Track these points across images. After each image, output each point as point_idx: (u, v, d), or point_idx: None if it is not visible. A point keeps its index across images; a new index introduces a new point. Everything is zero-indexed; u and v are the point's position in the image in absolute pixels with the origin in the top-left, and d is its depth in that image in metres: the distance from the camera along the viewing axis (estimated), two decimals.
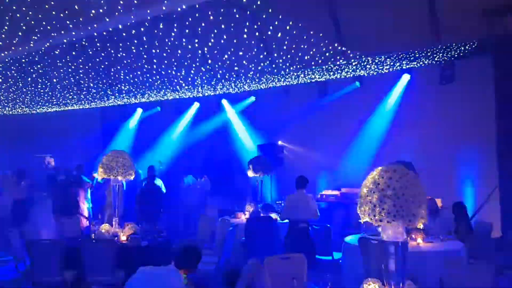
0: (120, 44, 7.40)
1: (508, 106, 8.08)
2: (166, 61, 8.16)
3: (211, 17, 6.75)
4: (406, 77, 10.33)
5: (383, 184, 3.48)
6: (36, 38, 6.62)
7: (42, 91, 9.98)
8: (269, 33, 7.36)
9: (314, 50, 7.56)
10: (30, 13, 5.82)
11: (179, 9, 6.14)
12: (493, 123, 8.32)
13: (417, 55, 8.45)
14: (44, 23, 6.09)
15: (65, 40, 6.89)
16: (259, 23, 7.36)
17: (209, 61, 8.17)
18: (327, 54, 7.76)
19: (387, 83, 10.49)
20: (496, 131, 8.29)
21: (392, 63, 8.97)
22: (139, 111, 15.38)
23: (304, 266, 5.00)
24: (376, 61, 8.60)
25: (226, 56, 7.88)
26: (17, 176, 10.29)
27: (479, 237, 6.76)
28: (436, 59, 8.88)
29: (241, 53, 7.79)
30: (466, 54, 8.54)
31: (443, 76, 9.47)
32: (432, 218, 6.81)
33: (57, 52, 7.59)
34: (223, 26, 6.92)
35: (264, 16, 6.91)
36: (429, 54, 8.43)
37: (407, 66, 9.56)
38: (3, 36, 6.43)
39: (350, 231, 7.27)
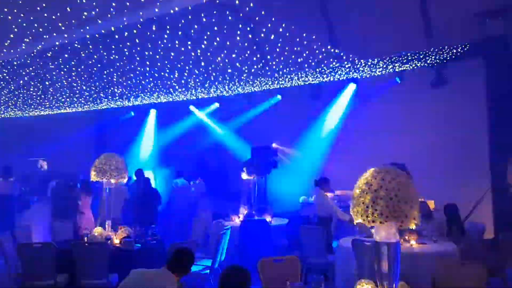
0: (113, 47, 7.38)
1: (500, 108, 8.13)
2: (159, 64, 8.14)
3: (204, 20, 6.74)
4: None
5: (376, 185, 3.49)
6: (28, 40, 6.59)
7: (34, 94, 9.92)
8: (262, 35, 7.35)
9: (307, 52, 7.58)
10: (22, 15, 5.79)
11: (172, 11, 6.13)
12: (485, 125, 8.37)
13: (409, 58, 8.49)
14: (36, 25, 6.07)
15: (57, 43, 6.86)
16: (252, 25, 7.36)
17: (202, 64, 8.15)
18: (320, 56, 7.78)
19: (380, 86, 10.53)
20: (488, 133, 8.34)
21: (385, 66, 9.00)
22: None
23: (298, 268, 5.00)
24: (369, 63, 8.63)
25: (219, 59, 7.87)
26: (4, 172, 10.20)
27: (472, 238, 6.78)
28: (428, 61, 8.92)
29: (234, 55, 7.79)
30: (458, 56, 8.58)
31: (435, 79, 9.51)
32: (424, 220, 6.84)
33: (49, 55, 7.55)
34: (216, 29, 6.92)
35: (257, 18, 6.91)
36: (421, 56, 8.47)
37: (400, 69, 9.60)
38: None
39: (344, 233, 7.29)
